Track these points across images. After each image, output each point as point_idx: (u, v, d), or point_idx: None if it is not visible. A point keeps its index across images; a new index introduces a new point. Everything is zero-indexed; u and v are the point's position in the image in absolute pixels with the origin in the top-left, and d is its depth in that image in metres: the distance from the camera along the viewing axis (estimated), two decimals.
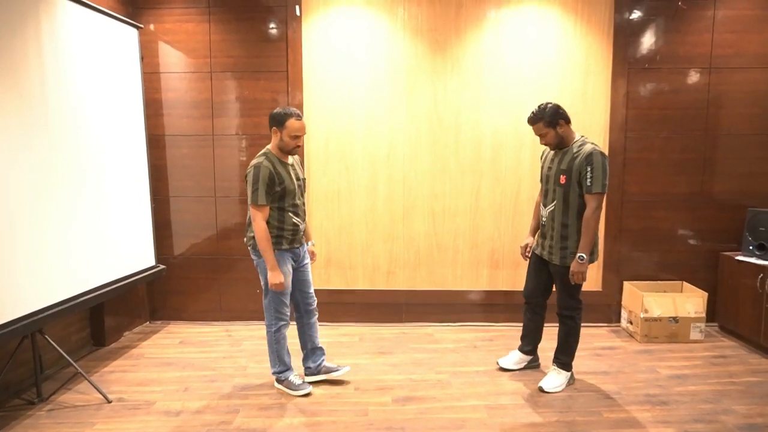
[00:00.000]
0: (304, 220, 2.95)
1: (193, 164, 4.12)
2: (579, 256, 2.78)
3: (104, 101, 3.31)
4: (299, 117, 2.76)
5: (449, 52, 3.96)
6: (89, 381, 3.00)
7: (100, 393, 2.95)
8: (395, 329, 4.09)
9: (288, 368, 3.03)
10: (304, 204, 2.96)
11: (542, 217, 3.04)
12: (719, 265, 3.98)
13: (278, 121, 2.75)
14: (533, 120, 2.87)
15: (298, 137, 2.76)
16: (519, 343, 3.35)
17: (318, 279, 4.06)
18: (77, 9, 3.06)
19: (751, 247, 3.77)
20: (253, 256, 2.95)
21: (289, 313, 2.99)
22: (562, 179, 2.84)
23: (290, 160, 2.90)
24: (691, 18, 3.87)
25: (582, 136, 2.89)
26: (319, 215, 4.12)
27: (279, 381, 3.04)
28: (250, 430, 2.63)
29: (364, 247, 4.14)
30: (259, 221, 2.75)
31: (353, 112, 4.02)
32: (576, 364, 3.33)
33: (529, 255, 3.21)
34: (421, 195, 4.09)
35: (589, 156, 2.74)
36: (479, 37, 3.94)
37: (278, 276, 2.79)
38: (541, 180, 3.06)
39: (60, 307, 2.83)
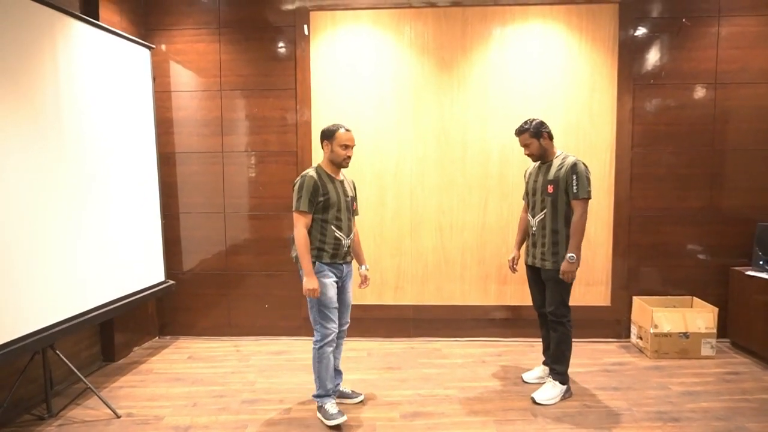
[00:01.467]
0: (348, 236, 2.91)
1: (203, 181, 4.17)
2: (569, 256, 2.95)
3: (116, 120, 3.38)
4: (347, 129, 2.87)
5: (455, 69, 4.01)
6: (99, 396, 3.02)
7: (110, 408, 2.96)
8: (403, 344, 4.08)
9: (327, 394, 2.89)
10: (350, 220, 2.93)
11: (531, 227, 3.18)
12: (729, 280, 3.95)
13: (328, 134, 2.86)
14: (520, 131, 3.11)
15: (348, 147, 2.85)
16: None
17: None
18: (91, 30, 3.15)
19: (761, 262, 3.75)
20: (298, 268, 2.89)
21: (335, 329, 2.87)
22: (550, 188, 3.03)
23: (341, 176, 2.95)
24: (696, 34, 3.90)
25: (562, 152, 3.11)
26: None
27: (318, 409, 2.91)
28: None
29: (372, 261, 4.15)
30: (300, 228, 2.78)
31: (361, 129, 4.06)
32: (585, 379, 3.32)
33: (517, 268, 3.38)
34: (428, 210, 4.11)
35: (574, 166, 2.97)
36: (485, 55, 3.99)
37: (313, 282, 2.75)
38: (527, 194, 3.26)
39: (71, 323, 2.86)
